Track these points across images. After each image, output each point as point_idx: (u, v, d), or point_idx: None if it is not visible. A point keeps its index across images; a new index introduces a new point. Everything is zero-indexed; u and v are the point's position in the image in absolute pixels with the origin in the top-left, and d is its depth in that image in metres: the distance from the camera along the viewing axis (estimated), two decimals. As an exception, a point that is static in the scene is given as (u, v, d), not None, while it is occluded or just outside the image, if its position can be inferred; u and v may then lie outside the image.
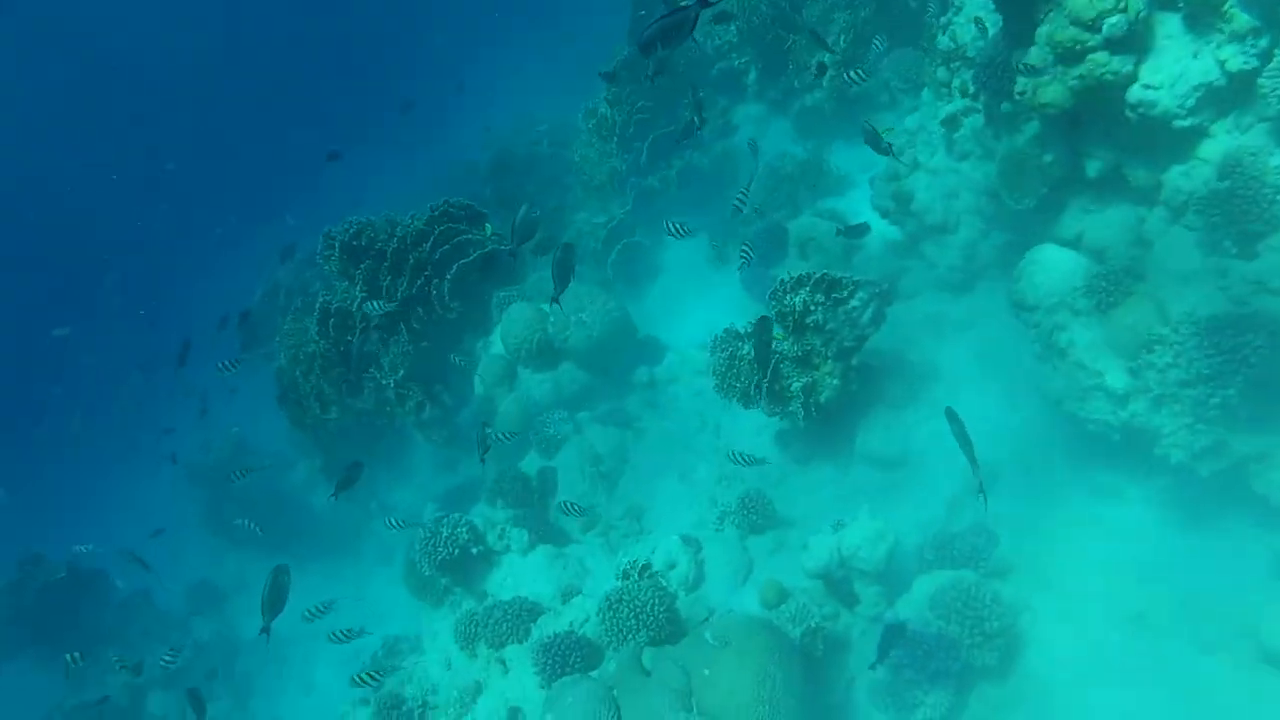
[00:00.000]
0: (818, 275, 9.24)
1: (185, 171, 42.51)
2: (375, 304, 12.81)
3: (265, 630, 7.61)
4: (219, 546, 20.59)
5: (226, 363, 14.02)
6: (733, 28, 15.40)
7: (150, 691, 16.76)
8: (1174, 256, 8.22)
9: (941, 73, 10.90)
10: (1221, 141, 7.80)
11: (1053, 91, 8.10)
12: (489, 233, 13.63)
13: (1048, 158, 8.95)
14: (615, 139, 16.10)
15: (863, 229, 11.04)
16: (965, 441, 6.31)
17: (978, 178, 10.56)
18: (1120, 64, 7.63)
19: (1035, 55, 8.20)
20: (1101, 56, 7.66)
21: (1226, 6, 7.29)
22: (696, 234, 10.06)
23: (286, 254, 21.97)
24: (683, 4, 6.10)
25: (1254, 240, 7.57)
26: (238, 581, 19.68)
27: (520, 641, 8.88)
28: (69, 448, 30.61)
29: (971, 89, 10.42)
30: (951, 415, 6.40)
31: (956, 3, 10.72)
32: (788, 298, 9.34)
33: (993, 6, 9.34)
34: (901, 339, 10.73)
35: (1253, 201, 7.44)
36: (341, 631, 9.96)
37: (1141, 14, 7.49)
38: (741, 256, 10.02)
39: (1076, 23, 7.65)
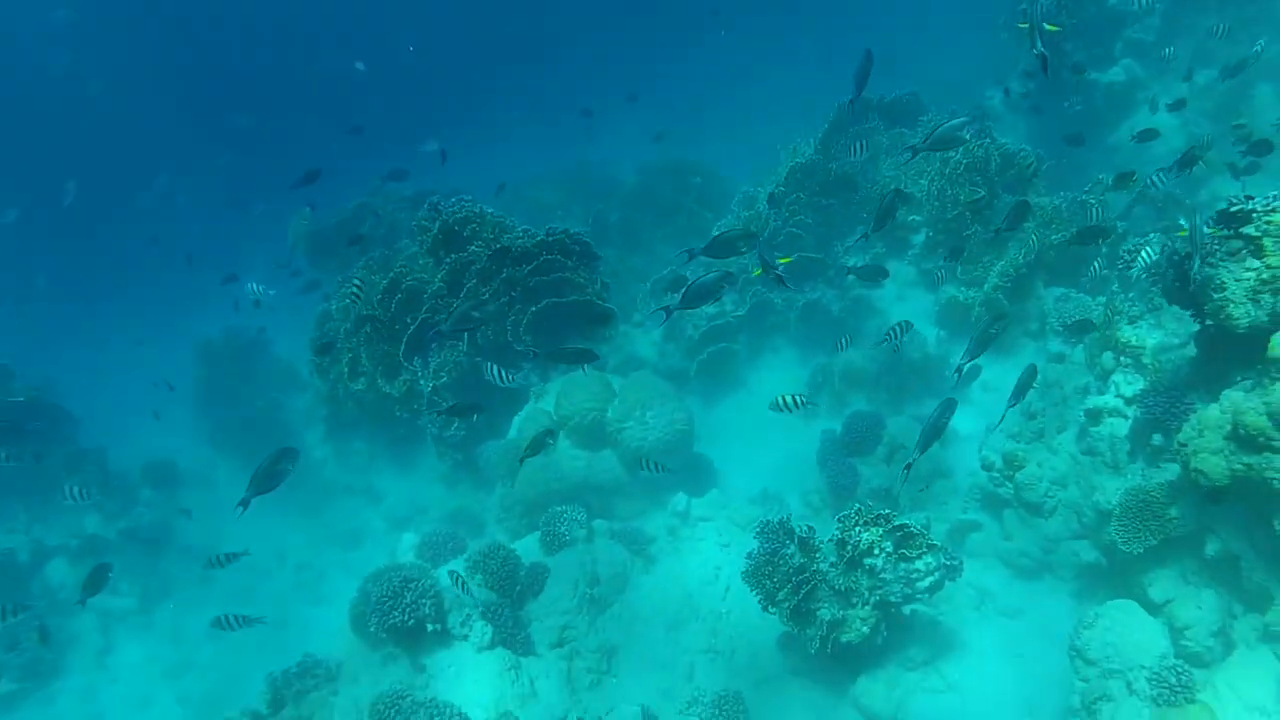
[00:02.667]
0: (896, 523, 9.12)
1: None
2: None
3: (244, 504, 7.90)
4: (200, 434, 20.88)
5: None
6: (922, 183, 15.26)
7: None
8: (1250, 680, 8.01)
9: (1108, 358, 10.72)
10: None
11: (1212, 464, 7.88)
12: (598, 296, 13.66)
13: (1173, 511, 8.76)
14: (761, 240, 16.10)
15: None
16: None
17: (1094, 481, 10.36)
18: (1296, 481, 7.43)
19: (1213, 415, 8.02)
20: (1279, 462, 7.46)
21: None
22: (807, 408, 10.14)
23: (395, 177, 21.67)
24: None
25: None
26: (203, 478, 19.90)
27: (431, 757, 8.80)
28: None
29: (1129, 394, 10.26)
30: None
31: (1155, 303, 10.53)
32: (855, 529, 9.23)
33: (1191, 330, 9.22)
34: (943, 595, 10.55)
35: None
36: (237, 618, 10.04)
37: (1343, 448, 7.29)
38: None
39: (1272, 416, 7.43)
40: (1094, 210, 13.69)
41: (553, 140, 34.23)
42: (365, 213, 20.81)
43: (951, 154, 14.45)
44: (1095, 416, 10.53)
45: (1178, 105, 16.16)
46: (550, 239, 13.95)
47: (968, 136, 13.16)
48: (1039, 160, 14.82)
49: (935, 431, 7.93)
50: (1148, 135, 14.23)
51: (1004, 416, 8.99)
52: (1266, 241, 7.59)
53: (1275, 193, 7.74)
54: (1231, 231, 7.78)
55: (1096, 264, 12.95)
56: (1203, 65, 18.31)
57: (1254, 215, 7.64)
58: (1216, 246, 7.85)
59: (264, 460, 8.04)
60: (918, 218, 15.76)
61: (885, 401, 14.07)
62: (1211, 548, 8.48)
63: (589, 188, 23.86)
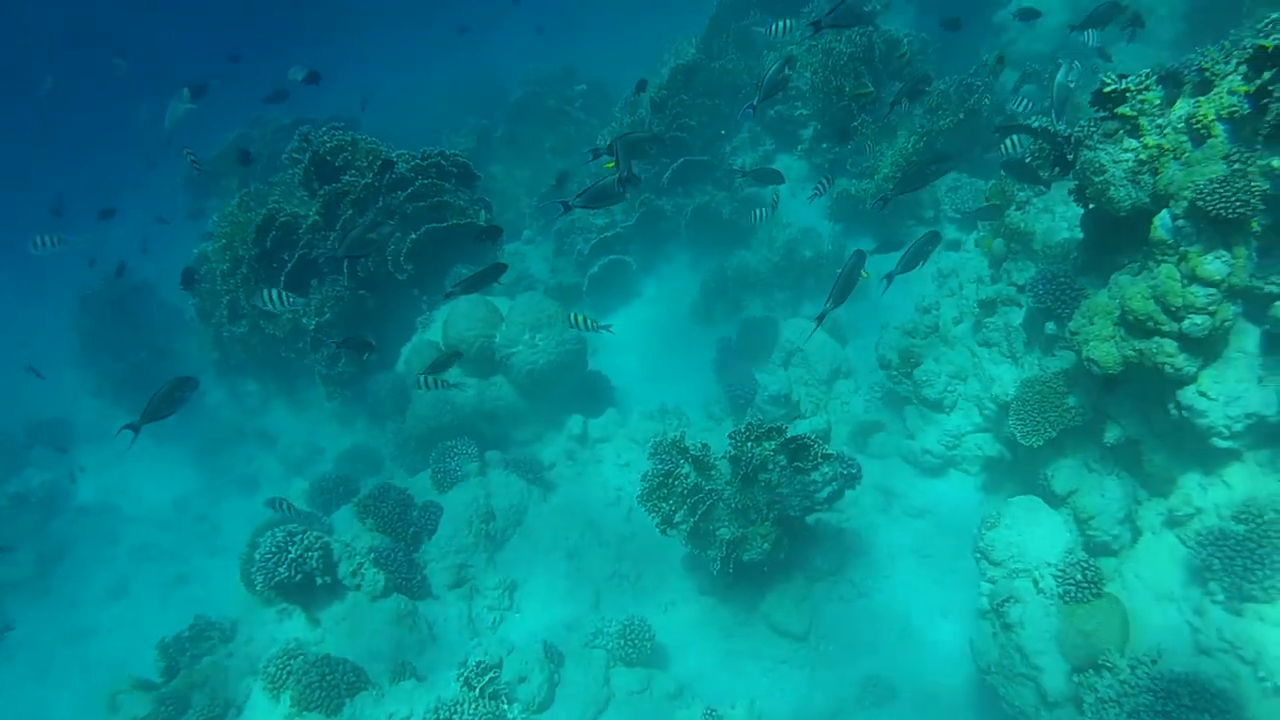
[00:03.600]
0: (789, 435, 8.65)
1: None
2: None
3: (134, 428, 7.42)
4: (86, 387, 19.75)
5: None
6: (806, 75, 14.51)
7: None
8: (1158, 568, 7.78)
9: (999, 245, 10.25)
10: (1253, 475, 7.38)
11: (1104, 351, 7.54)
12: (482, 219, 12.80)
13: (1070, 401, 8.44)
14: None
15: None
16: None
17: (992, 373, 10.00)
18: (1185, 363, 7.08)
19: (1102, 301, 7.65)
20: (1169, 346, 7.09)
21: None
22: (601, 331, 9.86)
23: (275, 99, 20.23)
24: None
25: (1244, 599, 7.11)
26: (95, 432, 18.85)
27: (327, 714, 8.19)
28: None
29: (1020, 281, 9.83)
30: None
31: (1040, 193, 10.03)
32: (748, 444, 8.74)
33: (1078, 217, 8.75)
34: (848, 500, 10.17)
35: (1258, 561, 6.98)
36: None
37: (1227, 322, 6.94)
38: None
39: (1159, 300, 7.04)
40: (981, 93, 13.13)
41: (439, 52, 32.66)
42: (244, 144, 19.57)
43: (835, 45, 13.73)
44: (989, 306, 10.13)
45: None
46: (425, 162, 13.06)
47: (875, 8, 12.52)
48: (912, 48, 14.19)
49: (848, 283, 7.43)
50: (1028, 14, 13.66)
51: (889, 280, 8.19)
52: (1143, 121, 7.10)
53: (1147, 70, 7.24)
54: (1107, 112, 7.28)
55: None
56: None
57: (1128, 94, 7.14)
58: (1094, 129, 7.35)
59: (161, 387, 7.50)
60: (805, 111, 15.08)
61: (782, 303, 13.59)
62: (1111, 435, 8.16)
63: (477, 101, 22.77)
